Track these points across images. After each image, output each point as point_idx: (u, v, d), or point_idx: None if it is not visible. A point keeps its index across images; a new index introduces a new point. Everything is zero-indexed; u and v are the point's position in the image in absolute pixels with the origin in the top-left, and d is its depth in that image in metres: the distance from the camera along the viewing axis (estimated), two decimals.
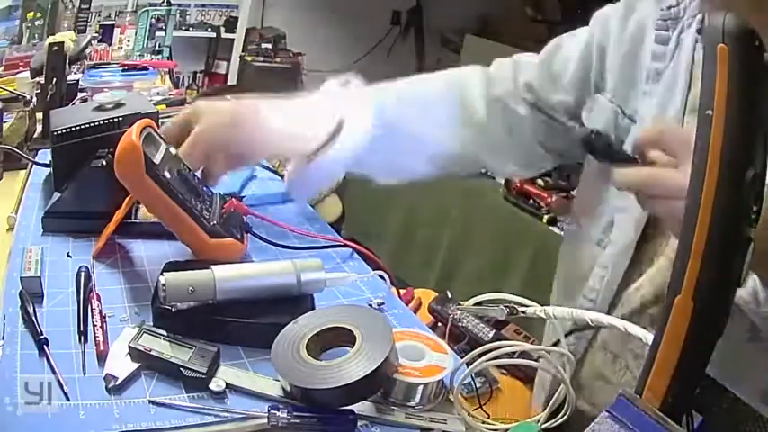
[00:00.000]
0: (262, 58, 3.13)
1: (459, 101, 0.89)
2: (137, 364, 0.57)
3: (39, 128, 1.17)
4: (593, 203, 0.81)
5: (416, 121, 0.87)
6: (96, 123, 0.84)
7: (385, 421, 0.56)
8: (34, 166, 0.96)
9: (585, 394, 0.75)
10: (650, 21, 0.77)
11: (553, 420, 0.56)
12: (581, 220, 0.85)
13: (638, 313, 0.73)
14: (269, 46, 3.17)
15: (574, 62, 0.84)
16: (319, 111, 0.83)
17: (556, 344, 0.61)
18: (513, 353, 0.54)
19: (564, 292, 0.88)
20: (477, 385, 0.64)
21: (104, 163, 0.77)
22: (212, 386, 0.56)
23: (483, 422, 0.58)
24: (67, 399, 0.52)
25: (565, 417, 0.55)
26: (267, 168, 1.08)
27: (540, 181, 2.25)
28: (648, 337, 0.48)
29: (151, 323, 0.62)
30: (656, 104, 0.75)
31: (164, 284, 0.61)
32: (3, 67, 1.66)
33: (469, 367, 0.55)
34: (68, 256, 0.74)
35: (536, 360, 0.62)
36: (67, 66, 1.32)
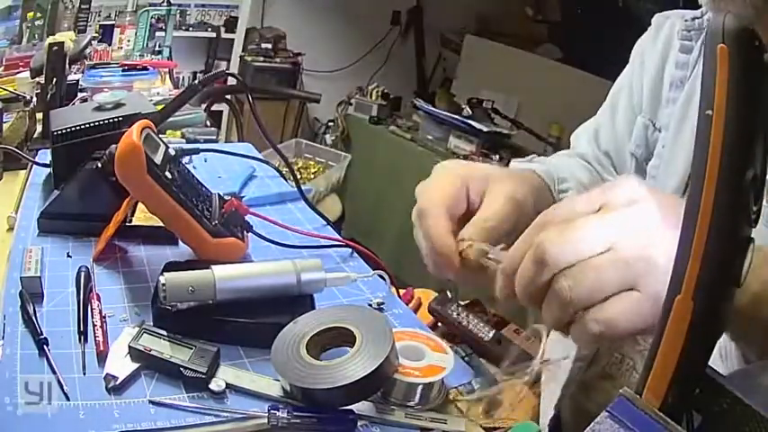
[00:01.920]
0: (262, 58, 3.14)
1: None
2: (137, 364, 0.57)
3: (39, 128, 1.17)
4: None
5: None
6: (96, 123, 0.84)
7: (385, 421, 0.56)
8: (34, 166, 0.96)
9: (592, 395, 0.75)
10: (676, 34, 0.80)
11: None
12: None
13: None
14: (269, 46, 3.17)
15: (624, 108, 0.87)
16: None
17: None
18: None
19: None
20: (477, 386, 0.64)
21: (99, 165, 0.77)
22: (212, 386, 0.56)
23: (483, 422, 0.58)
24: (67, 399, 0.52)
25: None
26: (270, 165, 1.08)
27: None
28: (648, 337, 0.48)
29: (151, 323, 0.62)
30: (678, 110, 0.76)
31: (164, 284, 0.61)
32: (3, 67, 1.66)
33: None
34: (68, 256, 0.75)
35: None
36: (67, 66, 1.32)
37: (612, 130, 0.89)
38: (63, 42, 1.27)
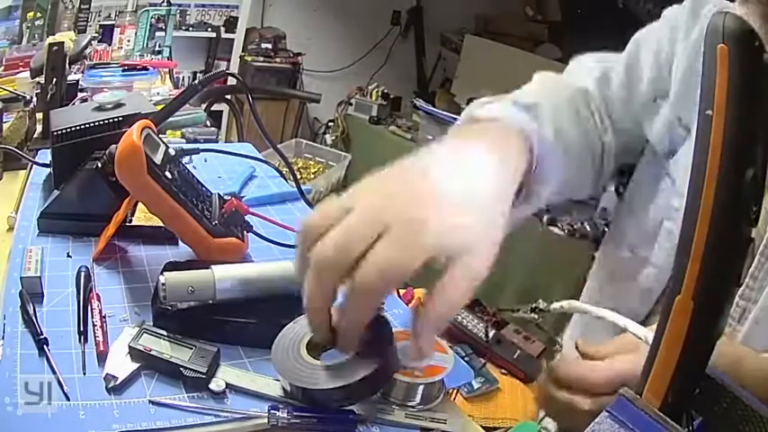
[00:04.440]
0: (262, 58, 3.14)
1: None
2: (137, 364, 0.57)
3: (39, 128, 1.17)
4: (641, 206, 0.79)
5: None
6: (96, 123, 0.84)
7: (385, 421, 0.56)
8: (34, 166, 0.96)
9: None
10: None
11: None
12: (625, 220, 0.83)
13: None
14: (269, 46, 3.17)
15: (649, 67, 0.80)
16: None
17: None
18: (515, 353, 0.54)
19: (604, 292, 0.84)
20: (477, 385, 0.63)
21: (99, 165, 0.77)
22: (212, 386, 0.56)
23: (483, 422, 0.58)
24: (67, 399, 0.52)
25: None
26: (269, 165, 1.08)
27: None
28: (649, 336, 0.48)
29: (151, 323, 0.62)
30: None
31: (164, 284, 0.61)
32: (3, 67, 1.66)
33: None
34: (68, 256, 0.74)
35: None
36: (67, 66, 1.32)
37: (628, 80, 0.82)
38: (63, 42, 1.27)
